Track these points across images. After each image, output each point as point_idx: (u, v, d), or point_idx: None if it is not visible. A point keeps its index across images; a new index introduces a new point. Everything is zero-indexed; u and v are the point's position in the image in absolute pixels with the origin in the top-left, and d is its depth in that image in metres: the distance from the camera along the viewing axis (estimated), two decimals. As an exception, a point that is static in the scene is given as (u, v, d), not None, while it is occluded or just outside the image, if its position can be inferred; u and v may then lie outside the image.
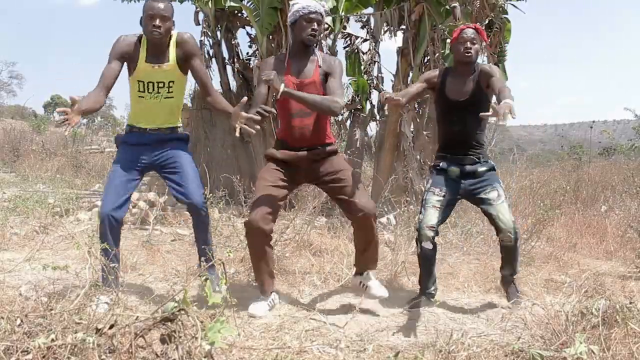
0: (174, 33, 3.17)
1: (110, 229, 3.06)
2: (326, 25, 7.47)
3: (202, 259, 3.16)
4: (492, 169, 3.42)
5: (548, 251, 4.99)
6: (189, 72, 3.28)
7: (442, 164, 3.42)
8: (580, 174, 9.50)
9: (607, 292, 3.20)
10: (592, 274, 4.00)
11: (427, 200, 3.35)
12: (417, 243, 3.33)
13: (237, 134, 2.89)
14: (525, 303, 3.27)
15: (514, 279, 3.47)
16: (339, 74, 3.26)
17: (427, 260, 3.36)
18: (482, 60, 7.09)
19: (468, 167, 3.37)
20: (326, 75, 3.22)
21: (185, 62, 3.20)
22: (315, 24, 3.15)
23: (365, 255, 3.29)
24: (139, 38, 3.16)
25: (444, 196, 3.32)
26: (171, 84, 3.19)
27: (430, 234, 3.24)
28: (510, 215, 3.29)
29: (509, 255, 3.38)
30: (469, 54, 3.32)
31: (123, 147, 3.29)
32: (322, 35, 3.25)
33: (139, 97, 3.18)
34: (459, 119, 3.36)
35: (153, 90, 3.16)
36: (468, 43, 3.31)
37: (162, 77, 3.16)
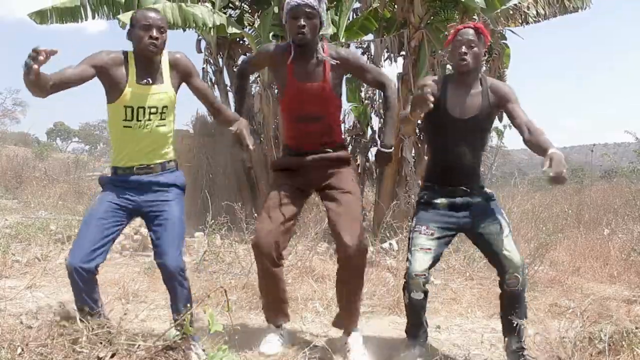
0: (164, 53, 2.72)
1: (82, 283, 2.46)
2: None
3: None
4: (490, 198, 2.86)
5: (551, 275, 4.95)
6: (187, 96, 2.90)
7: (427, 197, 2.87)
8: (582, 197, 9.49)
9: (612, 317, 3.17)
10: (597, 298, 3.97)
11: (413, 242, 2.78)
12: (404, 292, 2.82)
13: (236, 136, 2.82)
14: (529, 330, 3.24)
15: (524, 354, 2.75)
16: (363, 61, 2.94)
17: (416, 311, 2.85)
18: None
19: (458, 200, 2.82)
20: (344, 75, 2.91)
21: (179, 86, 2.78)
22: (301, 19, 2.68)
23: (344, 306, 2.93)
24: (125, 55, 2.66)
25: (432, 234, 2.77)
26: (165, 109, 2.68)
27: (421, 281, 2.71)
28: (518, 253, 2.72)
29: (513, 308, 2.75)
30: (464, 61, 2.72)
31: (107, 187, 2.72)
32: (317, 30, 2.79)
33: (125, 127, 2.63)
34: (458, 141, 2.79)
35: (144, 117, 2.63)
36: (464, 47, 2.72)
37: (155, 102, 2.65)
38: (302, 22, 2.69)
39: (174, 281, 2.62)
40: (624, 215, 7.78)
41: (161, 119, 2.68)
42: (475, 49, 2.73)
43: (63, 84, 2.47)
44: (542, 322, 3.41)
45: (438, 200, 2.82)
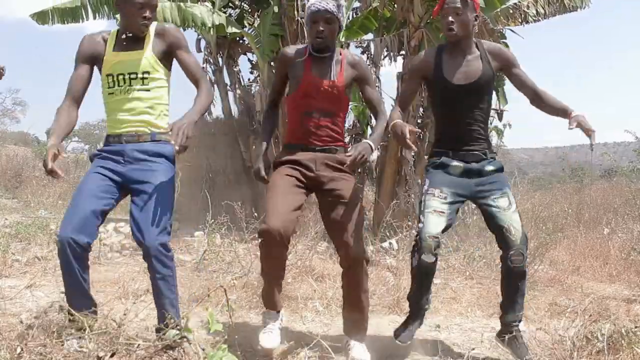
0: (153, 24, 2.69)
1: (74, 259, 2.40)
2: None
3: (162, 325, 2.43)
4: (501, 169, 2.89)
5: (551, 275, 4.96)
6: (174, 70, 2.79)
7: (443, 159, 2.86)
8: (582, 196, 9.49)
9: (612, 316, 3.17)
10: (596, 297, 3.97)
11: (426, 204, 2.75)
12: (414, 255, 2.75)
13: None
14: (529, 328, 3.24)
15: (519, 330, 2.82)
16: (372, 79, 3.06)
17: (425, 276, 2.78)
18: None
19: (474, 165, 2.82)
20: (353, 81, 2.95)
21: (168, 56, 2.70)
22: (320, 24, 2.78)
23: (351, 314, 2.92)
24: (107, 33, 2.71)
25: (445, 198, 2.75)
26: (146, 75, 2.63)
27: (433, 244, 2.67)
28: (523, 229, 2.73)
29: (516, 285, 2.77)
30: (452, 31, 2.74)
31: (95, 160, 2.68)
32: (336, 34, 2.89)
33: (110, 94, 2.65)
34: (465, 106, 2.82)
35: (124, 83, 2.62)
36: (450, 16, 2.72)
37: (133, 67, 2.62)
38: (321, 27, 2.78)
39: (153, 260, 2.50)
40: (623, 214, 7.78)
41: (143, 84, 2.63)
42: (463, 16, 2.72)
43: (81, 96, 2.69)
44: (541, 321, 3.41)
45: (454, 163, 2.83)
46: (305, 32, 2.99)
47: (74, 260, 2.39)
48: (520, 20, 7.65)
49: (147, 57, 2.63)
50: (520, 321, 2.82)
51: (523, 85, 2.85)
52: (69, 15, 7.65)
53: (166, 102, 2.72)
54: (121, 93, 2.62)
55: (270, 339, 2.89)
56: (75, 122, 2.66)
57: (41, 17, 7.71)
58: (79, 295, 2.47)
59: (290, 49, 2.97)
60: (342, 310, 3.00)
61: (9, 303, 3.51)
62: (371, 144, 2.77)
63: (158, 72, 2.66)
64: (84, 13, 7.65)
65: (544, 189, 12.74)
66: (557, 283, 4.71)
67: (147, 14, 2.58)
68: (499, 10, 7.48)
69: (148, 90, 2.64)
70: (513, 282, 2.78)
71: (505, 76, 2.95)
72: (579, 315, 3.05)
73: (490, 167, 2.83)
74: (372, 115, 3.16)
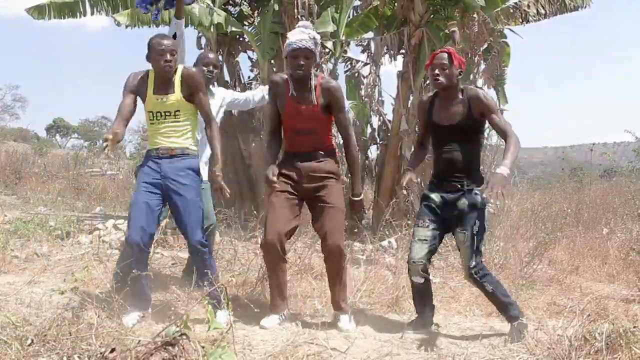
0: (179, 67, 3.38)
1: (138, 255, 3.22)
2: (326, 50, 7.62)
3: (205, 284, 3.23)
4: (475, 205, 3.23)
5: (550, 274, 4.96)
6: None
7: (426, 191, 3.42)
8: (581, 196, 9.49)
9: (610, 316, 3.18)
10: (595, 297, 3.98)
11: (413, 235, 3.38)
12: (409, 274, 3.38)
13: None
14: (528, 328, 3.25)
15: (517, 318, 3.27)
16: (343, 104, 3.47)
17: (419, 293, 3.40)
18: (477, 83, 7.17)
19: (450, 196, 3.28)
20: (328, 105, 3.38)
21: (190, 95, 3.38)
22: (300, 59, 3.25)
23: (334, 289, 3.45)
24: (146, 73, 3.40)
25: (428, 226, 3.30)
26: (177, 112, 3.37)
27: (419, 267, 3.27)
28: (470, 261, 3.21)
29: (484, 291, 3.32)
30: (437, 80, 3.26)
31: (140, 172, 3.42)
32: (315, 64, 3.45)
33: (151, 124, 3.41)
34: (447, 144, 3.30)
35: (161, 117, 3.36)
36: (437, 69, 3.26)
37: (168, 108, 3.35)
38: (301, 61, 3.27)
39: (196, 253, 3.34)
40: (622, 214, 7.79)
41: (175, 119, 3.38)
42: (447, 70, 3.24)
43: (128, 118, 3.33)
44: (540, 321, 3.42)
45: (433, 195, 3.34)
46: (285, 63, 3.46)
47: (138, 257, 3.23)
48: (520, 19, 7.64)
49: (177, 99, 3.36)
50: (512, 317, 3.27)
51: (495, 129, 3.31)
52: (67, 9, 7.60)
53: (191, 127, 3.44)
54: (159, 124, 3.38)
55: (268, 320, 3.34)
56: (123, 134, 3.30)
57: (37, 11, 7.64)
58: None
59: (277, 78, 3.46)
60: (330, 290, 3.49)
61: (10, 299, 3.51)
62: (358, 195, 3.53)
63: (186, 107, 3.39)
64: (82, 8, 7.61)
65: (543, 188, 12.76)
66: (555, 283, 4.72)
67: (168, 57, 3.24)
68: (499, 9, 7.47)
69: (178, 122, 3.39)
70: (480, 290, 3.34)
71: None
72: (578, 315, 3.06)
73: (462, 202, 3.26)
74: (344, 147, 3.57)
